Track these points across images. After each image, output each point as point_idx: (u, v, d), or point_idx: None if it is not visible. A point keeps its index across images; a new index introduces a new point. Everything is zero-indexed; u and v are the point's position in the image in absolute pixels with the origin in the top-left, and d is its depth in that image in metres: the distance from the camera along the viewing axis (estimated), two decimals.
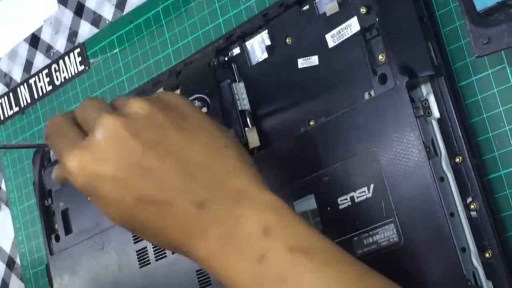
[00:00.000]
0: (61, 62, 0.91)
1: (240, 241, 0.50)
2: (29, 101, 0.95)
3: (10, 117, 0.96)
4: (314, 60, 0.63)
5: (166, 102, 0.54)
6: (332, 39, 0.62)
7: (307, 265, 0.49)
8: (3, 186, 0.96)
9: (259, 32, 0.68)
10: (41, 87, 0.93)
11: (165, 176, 0.51)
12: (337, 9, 0.62)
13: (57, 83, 0.91)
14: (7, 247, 0.95)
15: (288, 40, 0.65)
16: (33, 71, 0.95)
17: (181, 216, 0.51)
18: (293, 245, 0.50)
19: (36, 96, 0.94)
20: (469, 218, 0.57)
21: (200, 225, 0.51)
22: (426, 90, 0.59)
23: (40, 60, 0.94)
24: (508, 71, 0.58)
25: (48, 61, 0.93)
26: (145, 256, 0.73)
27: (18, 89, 0.96)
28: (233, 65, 0.69)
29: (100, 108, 0.53)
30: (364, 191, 0.59)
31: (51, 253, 0.82)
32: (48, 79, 0.92)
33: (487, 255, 0.57)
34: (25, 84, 0.95)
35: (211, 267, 0.52)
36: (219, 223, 0.51)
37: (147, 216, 0.51)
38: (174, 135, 0.52)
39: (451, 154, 0.58)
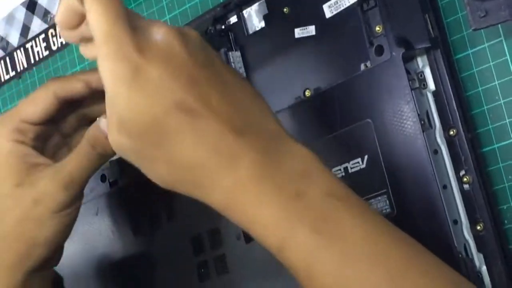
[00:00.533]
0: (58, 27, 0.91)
1: (276, 176, 0.49)
2: (25, 65, 0.95)
3: (6, 81, 0.96)
4: (311, 30, 0.63)
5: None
6: (330, 9, 0.62)
7: (347, 210, 0.48)
8: None
9: (257, 1, 0.67)
10: (37, 52, 0.93)
11: (209, 93, 0.49)
12: None
13: (54, 48, 0.91)
14: None
15: (285, 10, 0.65)
16: (30, 36, 0.94)
17: (216, 135, 0.49)
18: (331, 190, 0.49)
19: (32, 61, 0.94)
20: (462, 190, 0.58)
21: (234, 150, 0.48)
22: (422, 62, 0.59)
23: (37, 25, 0.94)
24: (505, 45, 0.58)
25: (45, 26, 0.92)
26: (140, 223, 0.74)
27: (15, 53, 0.96)
28: (230, 34, 0.69)
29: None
30: (358, 162, 0.60)
31: None
32: (45, 44, 0.92)
33: (478, 227, 0.57)
34: (21, 49, 0.95)
35: (234, 202, 0.49)
36: (255, 153, 0.49)
37: (179, 126, 0.49)
38: (221, 67, 0.51)
39: (446, 127, 0.58)
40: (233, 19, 0.69)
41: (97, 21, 0.50)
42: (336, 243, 0.47)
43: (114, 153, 0.59)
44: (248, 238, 0.66)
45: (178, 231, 0.70)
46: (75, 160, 0.61)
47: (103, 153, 0.61)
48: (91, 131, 0.61)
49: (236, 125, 0.49)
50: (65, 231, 0.63)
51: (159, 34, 0.50)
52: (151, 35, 0.50)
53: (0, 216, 0.62)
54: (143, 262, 0.74)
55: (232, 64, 0.67)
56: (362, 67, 0.60)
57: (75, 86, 0.63)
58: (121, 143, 0.51)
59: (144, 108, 0.49)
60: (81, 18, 0.52)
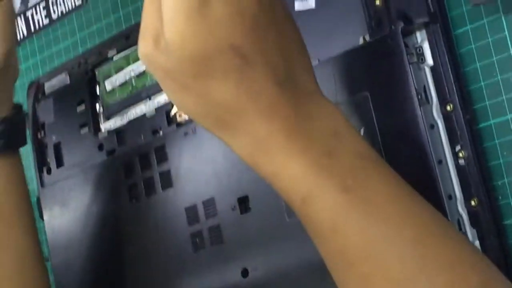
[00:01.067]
0: None
1: (308, 132, 0.49)
2: (25, 34, 0.94)
3: None
4: (311, 2, 0.63)
5: None
6: None
7: (374, 172, 0.49)
8: None
9: None
10: (37, 20, 0.93)
11: (265, 42, 0.49)
12: None
13: (54, 16, 0.91)
14: None
15: None
16: (30, 4, 0.94)
17: (261, 84, 0.49)
18: (360, 151, 0.50)
19: (32, 29, 0.93)
20: (457, 166, 0.58)
21: (272, 101, 0.49)
22: (420, 37, 0.59)
23: None
24: (504, 21, 0.57)
25: None
26: (135, 192, 0.74)
27: (15, 21, 0.95)
28: None
29: None
30: None
31: (42, 185, 0.83)
32: (45, 12, 0.92)
33: (473, 203, 0.57)
34: (22, 16, 0.95)
35: (263, 151, 0.49)
36: (291, 108, 0.49)
37: (227, 67, 0.48)
38: (282, 12, 0.51)
39: (443, 102, 0.58)
40: None
41: None
42: (363, 202, 0.48)
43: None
44: (243, 209, 0.66)
45: (172, 201, 0.71)
46: None
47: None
48: None
49: (281, 77, 0.49)
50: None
51: None
52: None
53: None
54: (138, 232, 0.74)
55: None
56: (361, 40, 0.60)
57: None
58: (155, 58, 0.50)
59: (198, 38, 0.48)
60: None
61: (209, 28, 0.47)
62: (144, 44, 0.50)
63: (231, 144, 0.51)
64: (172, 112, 0.71)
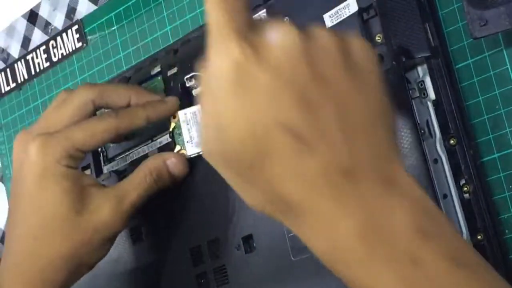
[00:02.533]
0: (58, 38, 0.91)
1: (387, 235, 0.41)
2: (26, 77, 0.94)
3: (6, 93, 0.96)
4: None
5: (348, 43, 0.44)
6: (330, 19, 0.62)
7: (466, 278, 0.41)
8: None
9: (258, 11, 0.67)
10: (38, 63, 0.93)
11: (320, 118, 0.42)
12: None
13: (55, 59, 0.91)
14: (2, 223, 0.95)
15: (286, 20, 0.65)
16: (30, 47, 0.94)
17: (319, 172, 0.41)
18: (449, 254, 0.41)
19: (33, 72, 0.94)
20: (462, 200, 0.57)
21: (337, 195, 0.41)
22: (422, 72, 0.59)
23: (38, 37, 0.94)
24: (505, 54, 0.58)
25: (46, 38, 0.92)
26: (138, 233, 0.73)
27: (15, 65, 0.96)
28: None
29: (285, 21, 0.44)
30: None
31: None
32: (45, 55, 0.92)
33: (479, 237, 0.57)
34: (22, 60, 0.95)
35: (335, 255, 0.42)
36: (363, 204, 0.41)
37: (279, 146, 0.41)
38: (346, 82, 0.43)
39: (446, 136, 0.58)
40: None
41: (210, 8, 0.44)
42: None
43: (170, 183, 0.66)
44: (247, 248, 0.65)
45: (177, 242, 0.70)
46: (137, 192, 0.66)
47: (162, 186, 0.66)
48: (155, 164, 0.66)
49: (345, 163, 0.42)
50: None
51: (277, 32, 0.43)
52: (267, 32, 0.43)
53: (56, 239, 0.64)
54: (142, 273, 0.74)
55: None
56: None
57: (135, 122, 0.67)
58: (211, 153, 0.45)
59: (242, 118, 0.42)
60: None
61: (251, 103, 0.42)
62: (202, 142, 0.45)
63: (303, 238, 0.44)
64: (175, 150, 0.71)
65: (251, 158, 0.42)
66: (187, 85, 0.70)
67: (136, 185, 0.66)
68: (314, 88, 0.42)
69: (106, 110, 0.70)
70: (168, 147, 0.71)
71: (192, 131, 0.69)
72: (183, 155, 0.69)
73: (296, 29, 0.44)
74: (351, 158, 0.42)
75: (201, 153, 0.67)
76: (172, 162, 0.67)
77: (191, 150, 0.69)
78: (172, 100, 0.69)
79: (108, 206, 0.65)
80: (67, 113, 0.67)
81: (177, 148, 0.70)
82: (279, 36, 0.43)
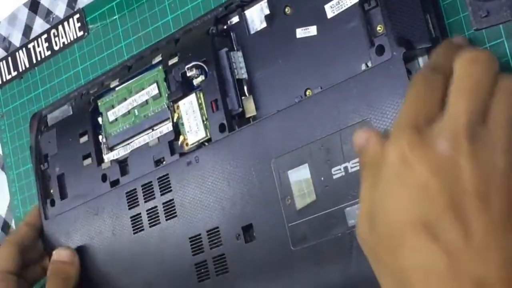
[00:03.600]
0: (60, 27, 0.91)
1: None
2: (27, 65, 0.95)
3: (8, 81, 0.96)
4: (312, 30, 0.63)
5: None
6: (331, 9, 0.62)
7: None
8: (0, 151, 0.97)
9: (259, 1, 0.67)
10: (39, 52, 0.93)
11: (469, 229, 0.40)
12: None
13: (56, 48, 0.91)
14: (3, 211, 0.95)
15: (287, 10, 0.65)
16: (32, 36, 0.94)
17: (453, 281, 0.40)
18: None
19: (34, 61, 0.94)
20: None
21: None
22: (423, 62, 0.59)
23: (39, 25, 0.94)
24: (506, 45, 0.58)
25: (47, 26, 0.93)
26: (139, 222, 0.74)
27: (17, 53, 0.96)
28: (231, 34, 0.69)
29: (493, 86, 0.43)
30: (358, 162, 0.59)
31: (46, 217, 0.83)
32: (47, 44, 0.92)
33: None
34: (23, 49, 0.95)
35: None
36: None
37: (413, 246, 0.41)
38: (506, 203, 0.41)
39: None
40: (235, 19, 0.69)
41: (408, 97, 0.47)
42: None
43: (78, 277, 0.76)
44: (247, 237, 0.65)
45: (176, 231, 0.70)
46: None
47: (68, 277, 0.76)
48: (52, 265, 0.76)
49: (481, 273, 0.40)
50: None
51: (446, 132, 0.42)
52: (437, 130, 0.43)
53: None
54: (142, 262, 0.74)
55: (234, 64, 0.67)
56: (363, 67, 0.60)
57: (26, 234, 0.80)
58: (362, 236, 0.46)
59: (392, 208, 0.42)
60: None
61: (404, 195, 0.42)
62: (358, 224, 0.46)
63: None
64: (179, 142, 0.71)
65: (385, 245, 0.43)
66: (188, 74, 0.70)
67: None
68: (472, 200, 0.40)
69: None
70: (169, 137, 0.71)
71: (191, 120, 0.69)
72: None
73: (465, 132, 0.42)
74: (484, 266, 0.40)
75: (201, 141, 0.68)
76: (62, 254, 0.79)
77: (192, 138, 0.69)
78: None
79: None
80: None
81: (181, 138, 0.71)
82: (447, 135, 0.42)
